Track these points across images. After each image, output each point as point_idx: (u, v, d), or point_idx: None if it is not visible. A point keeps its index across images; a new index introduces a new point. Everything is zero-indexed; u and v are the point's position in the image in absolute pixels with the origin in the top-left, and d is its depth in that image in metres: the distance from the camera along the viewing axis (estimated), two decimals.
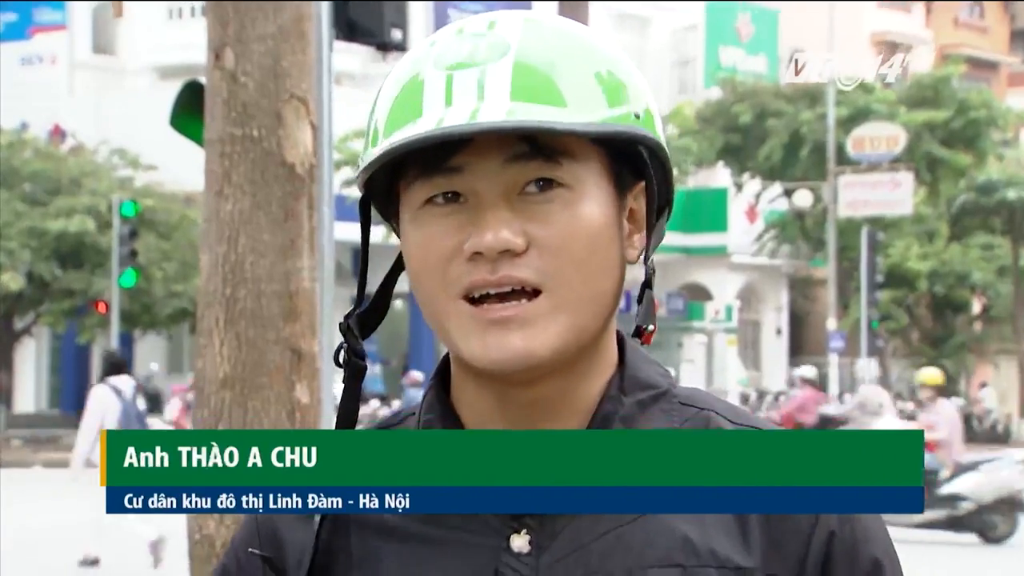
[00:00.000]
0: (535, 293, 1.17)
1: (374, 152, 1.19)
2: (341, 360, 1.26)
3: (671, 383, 1.26)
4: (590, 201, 1.18)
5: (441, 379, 1.25)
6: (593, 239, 1.18)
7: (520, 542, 1.19)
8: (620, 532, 1.18)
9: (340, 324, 1.25)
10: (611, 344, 1.24)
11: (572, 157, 1.18)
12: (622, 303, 1.27)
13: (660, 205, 1.26)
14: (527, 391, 1.21)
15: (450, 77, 1.17)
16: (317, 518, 1.22)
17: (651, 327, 1.24)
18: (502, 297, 1.17)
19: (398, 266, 1.26)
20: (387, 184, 1.23)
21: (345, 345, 1.26)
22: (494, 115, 1.14)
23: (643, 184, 1.24)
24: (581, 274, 1.18)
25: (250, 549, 1.26)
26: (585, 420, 1.22)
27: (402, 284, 1.27)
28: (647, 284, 1.24)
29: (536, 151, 1.17)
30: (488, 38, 1.19)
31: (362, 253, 1.28)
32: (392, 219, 1.25)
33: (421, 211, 1.19)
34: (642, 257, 1.24)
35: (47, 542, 13.77)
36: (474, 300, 1.18)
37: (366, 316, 1.26)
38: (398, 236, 1.24)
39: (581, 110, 1.17)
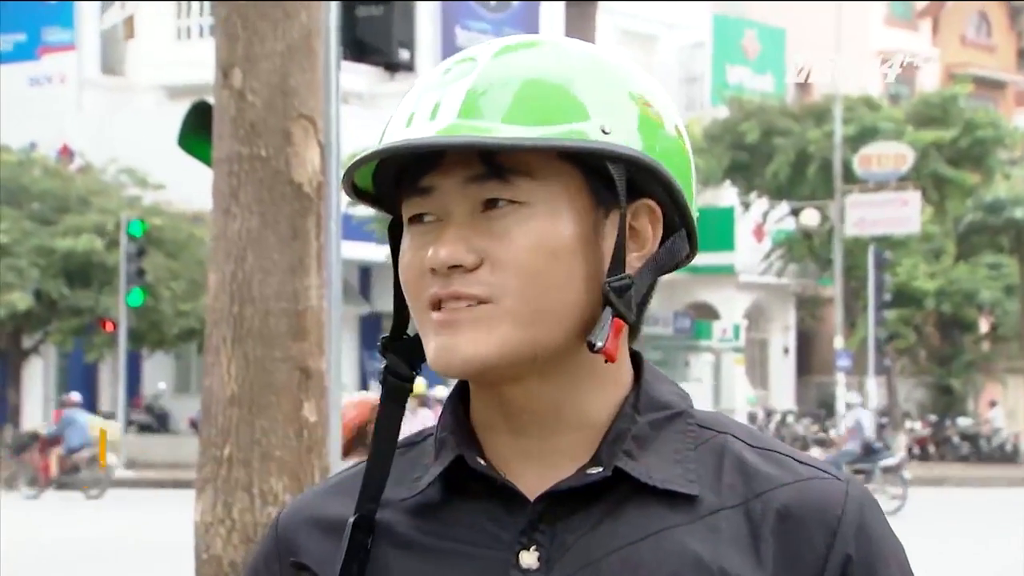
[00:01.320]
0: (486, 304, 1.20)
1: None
2: (380, 381, 1.28)
3: (688, 404, 1.25)
4: (552, 217, 1.19)
5: (460, 395, 1.27)
6: (551, 253, 1.18)
7: (529, 559, 1.19)
8: (631, 550, 1.18)
9: (378, 346, 1.28)
10: (618, 361, 1.23)
11: (527, 175, 1.19)
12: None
13: (668, 223, 1.25)
14: (513, 396, 1.22)
15: (417, 102, 1.22)
16: (348, 528, 1.23)
17: (597, 344, 1.19)
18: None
19: None
20: (396, 206, 1.27)
21: (385, 366, 1.27)
22: (427, 132, 1.18)
23: (644, 201, 1.23)
24: (534, 287, 1.18)
25: (292, 559, 1.27)
26: (597, 436, 1.22)
27: None
28: (606, 301, 1.21)
29: (491, 171, 1.19)
30: (464, 63, 1.21)
31: (395, 276, 1.28)
32: None
33: (407, 230, 1.24)
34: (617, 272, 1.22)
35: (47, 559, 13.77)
36: (437, 310, 1.21)
37: (415, 344, 1.27)
38: None
39: (539, 125, 1.17)
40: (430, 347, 1.20)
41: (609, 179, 1.20)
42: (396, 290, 1.27)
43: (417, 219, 1.22)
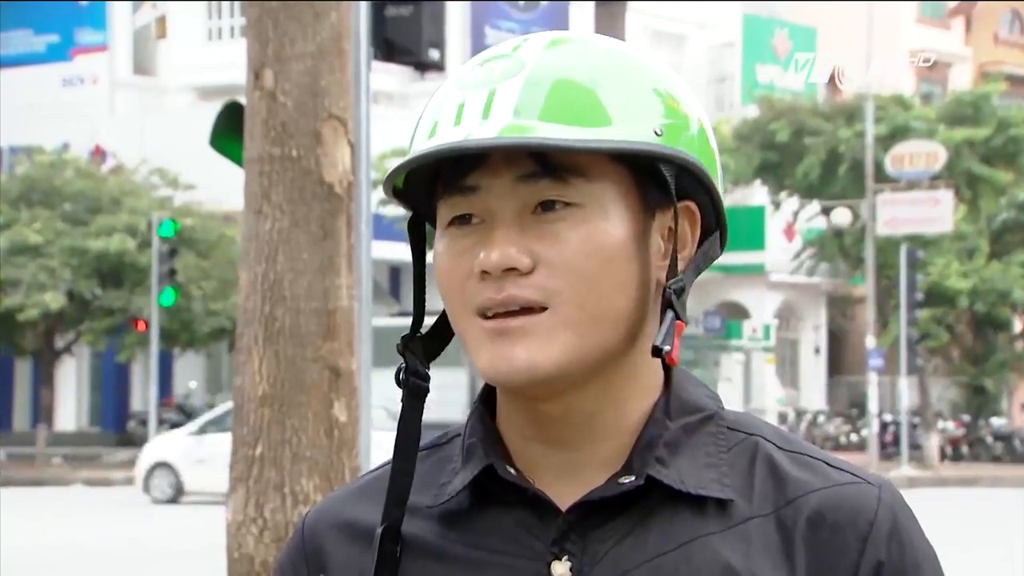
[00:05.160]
0: (542, 310, 1.17)
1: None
2: (401, 381, 1.24)
3: (719, 406, 1.24)
4: (605, 219, 1.17)
5: (485, 400, 1.25)
6: (606, 257, 1.17)
7: (561, 568, 1.17)
8: (662, 560, 1.17)
9: (397, 345, 1.24)
10: (650, 365, 1.21)
11: (583, 175, 1.16)
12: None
13: (705, 225, 1.23)
14: (553, 407, 1.19)
15: (464, 98, 1.17)
16: (376, 539, 1.21)
17: (666, 348, 1.18)
18: (509, 314, 1.17)
19: None
20: (428, 204, 1.23)
21: (405, 366, 1.24)
22: (487, 133, 1.14)
23: (686, 203, 1.21)
24: (590, 292, 1.16)
25: (322, 574, 1.25)
26: (628, 443, 1.20)
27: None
28: (668, 305, 1.20)
29: (544, 170, 1.16)
30: (507, 59, 1.18)
31: (415, 273, 1.26)
32: None
33: (447, 231, 1.19)
34: (670, 277, 1.21)
35: (92, 558, 13.84)
36: (486, 318, 1.18)
37: (427, 342, 1.25)
38: None
39: (594, 127, 1.15)
40: (482, 355, 1.17)
41: (656, 181, 1.19)
42: (416, 287, 1.25)
43: (457, 221, 1.18)
